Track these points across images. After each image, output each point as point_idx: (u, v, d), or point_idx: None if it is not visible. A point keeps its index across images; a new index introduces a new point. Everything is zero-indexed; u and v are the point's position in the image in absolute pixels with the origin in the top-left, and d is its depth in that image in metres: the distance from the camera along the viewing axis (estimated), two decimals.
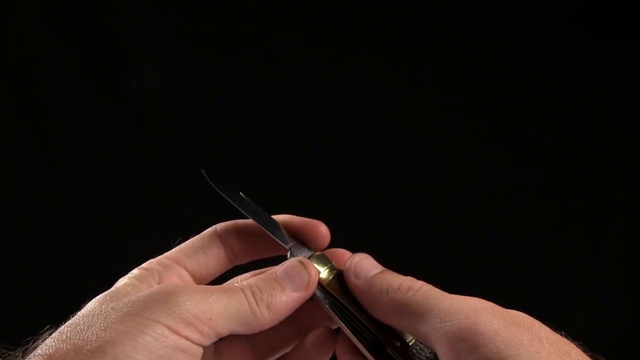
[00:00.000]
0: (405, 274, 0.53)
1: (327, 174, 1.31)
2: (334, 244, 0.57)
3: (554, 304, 1.29)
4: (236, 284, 0.51)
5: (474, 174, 1.32)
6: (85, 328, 0.47)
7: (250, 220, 0.56)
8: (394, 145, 1.32)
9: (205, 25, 1.31)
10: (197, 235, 0.56)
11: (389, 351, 0.52)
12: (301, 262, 0.53)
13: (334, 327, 0.55)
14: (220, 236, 0.56)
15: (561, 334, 0.48)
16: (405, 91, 1.31)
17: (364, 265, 0.54)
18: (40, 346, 0.48)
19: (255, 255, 0.57)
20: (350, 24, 1.31)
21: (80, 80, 1.30)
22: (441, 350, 0.47)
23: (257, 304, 0.50)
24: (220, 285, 0.52)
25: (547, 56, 1.31)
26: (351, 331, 0.52)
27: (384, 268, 0.54)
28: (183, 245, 0.55)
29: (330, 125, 1.32)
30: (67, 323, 0.49)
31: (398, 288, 0.51)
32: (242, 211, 0.56)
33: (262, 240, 0.56)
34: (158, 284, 0.53)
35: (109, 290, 0.51)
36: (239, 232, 0.56)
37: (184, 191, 1.28)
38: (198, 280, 0.55)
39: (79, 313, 0.50)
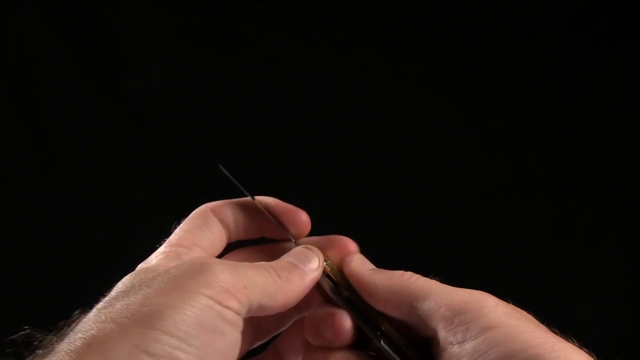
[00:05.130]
0: None
1: (329, 174, 1.31)
2: None
3: (554, 304, 1.29)
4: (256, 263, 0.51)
5: (473, 174, 1.32)
6: (125, 306, 0.46)
7: (244, 199, 0.57)
8: (394, 146, 1.32)
9: (206, 25, 1.31)
10: (194, 216, 0.55)
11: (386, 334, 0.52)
12: (308, 248, 0.54)
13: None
14: (215, 213, 0.55)
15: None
16: (406, 91, 1.31)
17: (364, 258, 0.55)
18: (78, 329, 0.46)
19: (248, 234, 0.57)
20: (352, 24, 1.31)
21: (80, 80, 1.30)
22: (442, 324, 0.48)
23: (279, 277, 0.50)
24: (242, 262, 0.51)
25: (547, 57, 1.31)
26: (354, 313, 0.53)
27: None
28: (186, 226, 0.54)
29: (331, 125, 1.32)
30: (100, 305, 0.48)
31: (402, 275, 0.52)
32: (259, 205, 0.56)
33: (257, 219, 0.57)
34: None
35: (139, 269, 0.50)
36: (233, 209, 0.56)
37: (184, 191, 1.28)
38: None
39: (110, 295, 0.48)
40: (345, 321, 0.52)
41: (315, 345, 0.54)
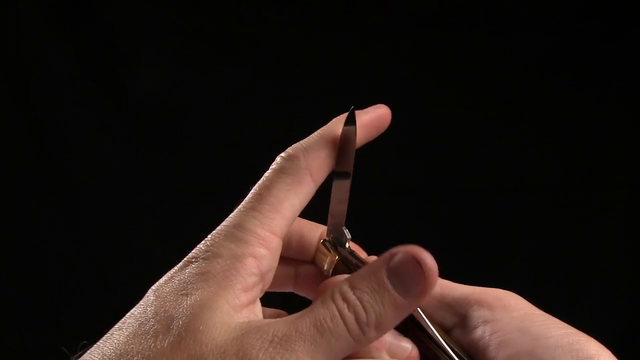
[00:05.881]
0: None
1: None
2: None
3: (554, 303, 1.29)
4: (340, 303, 0.40)
5: (473, 174, 1.32)
6: None
7: (321, 135, 0.50)
8: (395, 146, 1.32)
9: (206, 24, 1.31)
10: (293, 194, 0.44)
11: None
12: (417, 262, 0.42)
13: None
14: (314, 177, 0.45)
15: None
16: (408, 92, 1.31)
17: None
18: None
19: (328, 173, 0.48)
20: (354, 23, 1.31)
21: (79, 80, 1.30)
22: (478, 305, 0.49)
23: (363, 332, 0.40)
24: (319, 321, 0.40)
25: (552, 56, 1.31)
26: None
27: None
28: (284, 207, 0.43)
29: None
30: None
31: None
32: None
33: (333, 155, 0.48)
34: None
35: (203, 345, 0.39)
36: (329, 158, 0.48)
37: (184, 190, 1.28)
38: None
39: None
40: None
41: None
